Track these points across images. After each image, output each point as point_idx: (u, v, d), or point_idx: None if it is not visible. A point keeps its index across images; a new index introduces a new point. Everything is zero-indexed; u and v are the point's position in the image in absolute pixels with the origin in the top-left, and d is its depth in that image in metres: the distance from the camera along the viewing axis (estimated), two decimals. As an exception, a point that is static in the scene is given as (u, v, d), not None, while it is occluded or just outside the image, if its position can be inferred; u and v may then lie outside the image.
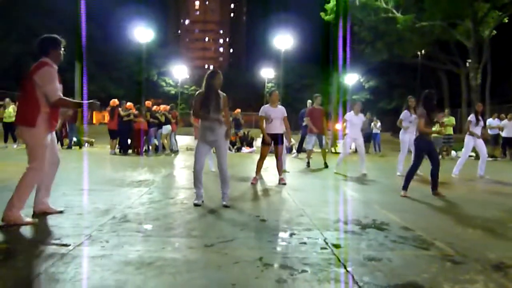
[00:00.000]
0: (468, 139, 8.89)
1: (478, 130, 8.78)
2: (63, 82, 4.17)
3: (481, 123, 8.81)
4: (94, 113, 43.55)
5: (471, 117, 8.88)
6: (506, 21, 25.94)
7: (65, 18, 30.22)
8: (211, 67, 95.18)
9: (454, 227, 4.32)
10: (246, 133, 16.82)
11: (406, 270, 2.94)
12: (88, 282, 2.54)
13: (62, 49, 4.11)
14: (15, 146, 13.51)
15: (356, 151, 11.88)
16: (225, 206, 5.01)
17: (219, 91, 5.16)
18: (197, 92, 5.28)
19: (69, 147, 14.03)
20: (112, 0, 42.46)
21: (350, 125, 9.12)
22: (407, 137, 8.79)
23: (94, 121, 42.64)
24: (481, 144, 8.86)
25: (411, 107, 8.75)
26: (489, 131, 14.96)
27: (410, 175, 6.25)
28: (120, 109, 13.02)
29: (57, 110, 4.11)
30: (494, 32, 27.17)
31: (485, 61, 28.81)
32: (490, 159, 14.21)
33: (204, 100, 5.10)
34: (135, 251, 3.19)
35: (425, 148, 6.26)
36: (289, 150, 14.82)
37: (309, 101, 11.67)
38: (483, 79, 28.95)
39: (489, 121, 15.15)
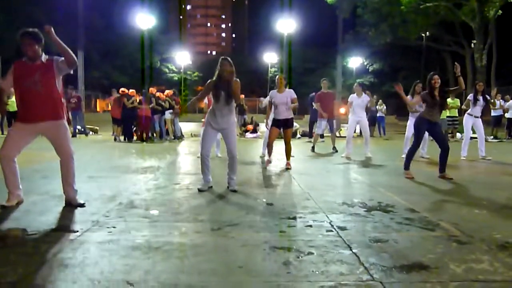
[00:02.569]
0: (466, 118, 8.83)
1: (477, 110, 8.69)
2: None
3: (480, 102, 8.66)
4: (98, 101, 43.66)
5: (470, 96, 8.82)
6: (512, 0, 25.53)
7: (66, 7, 29.96)
8: (214, 52, 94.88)
9: (459, 208, 4.32)
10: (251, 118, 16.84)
11: (412, 251, 2.95)
12: (96, 267, 2.57)
13: (26, 40, 3.91)
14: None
15: (360, 134, 11.92)
16: (233, 191, 5.03)
17: (232, 79, 4.99)
18: (208, 81, 5.20)
19: (74, 135, 14.08)
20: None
21: (354, 107, 9.08)
22: (413, 121, 8.76)
23: (98, 109, 42.72)
24: (479, 124, 8.78)
25: (417, 92, 8.62)
26: (492, 112, 14.85)
27: (409, 155, 6.28)
28: (125, 99, 12.98)
29: (21, 103, 4.06)
30: (500, 12, 26.76)
31: (490, 42, 28.49)
32: (494, 140, 14.18)
33: (214, 90, 5.05)
34: (142, 236, 3.22)
35: (423, 127, 6.23)
36: (294, 135, 14.83)
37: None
38: (489, 60, 28.65)
39: (492, 101, 15.00)
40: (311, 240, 3.17)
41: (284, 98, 7.15)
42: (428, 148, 8.89)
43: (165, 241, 3.10)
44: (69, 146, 4.15)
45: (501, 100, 15.39)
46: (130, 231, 3.33)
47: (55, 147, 4.15)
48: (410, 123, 8.87)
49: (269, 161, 7.41)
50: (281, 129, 7.29)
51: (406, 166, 6.28)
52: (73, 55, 4.02)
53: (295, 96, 7.24)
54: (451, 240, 3.20)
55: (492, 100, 10.32)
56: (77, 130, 14.46)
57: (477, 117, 8.68)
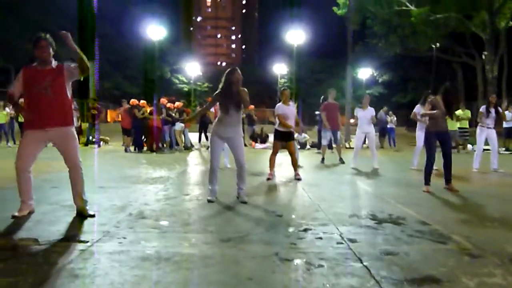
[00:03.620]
0: (479, 130, 8.78)
1: (489, 122, 8.64)
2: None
3: (492, 115, 8.59)
4: (108, 111, 44.05)
5: (482, 108, 8.77)
6: (523, 11, 25.42)
7: (78, 17, 30.43)
8: (224, 63, 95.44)
9: (471, 221, 4.27)
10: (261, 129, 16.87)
11: (423, 264, 2.92)
12: (106, 278, 2.58)
13: (42, 42, 3.96)
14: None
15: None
16: (243, 202, 5.01)
17: (240, 88, 5.00)
18: (215, 92, 5.18)
19: (86, 145, 14.21)
20: (125, -2, 42.81)
21: (359, 120, 9.10)
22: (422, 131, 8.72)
23: (108, 120, 43.08)
24: (493, 136, 8.71)
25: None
26: (504, 124, 14.69)
27: (427, 170, 6.16)
28: (136, 110, 13.08)
29: (30, 109, 4.07)
30: (511, 23, 26.63)
31: (501, 53, 28.31)
32: (506, 152, 14.01)
33: (223, 99, 5.05)
34: (152, 247, 3.22)
35: (433, 140, 6.17)
36: (303, 146, 14.82)
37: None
38: (500, 71, 28.44)
39: (504, 113, 14.82)
40: (321, 252, 3.15)
41: (290, 111, 7.20)
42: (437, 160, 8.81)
43: (175, 252, 3.11)
44: (76, 155, 4.14)
45: (512, 112, 15.22)
46: (140, 242, 3.34)
47: (62, 154, 4.15)
48: (419, 133, 8.86)
49: (271, 175, 7.24)
50: (285, 141, 7.29)
51: (426, 182, 6.18)
52: (87, 62, 4.06)
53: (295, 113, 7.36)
54: (463, 253, 3.16)
55: (503, 113, 10.24)
56: (88, 140, 14.61)
57: (490, 127, 8.62)
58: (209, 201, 5.04)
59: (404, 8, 27.44)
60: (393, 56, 34.36)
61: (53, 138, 4.09)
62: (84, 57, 4.02)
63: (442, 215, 4.51)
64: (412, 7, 26.88)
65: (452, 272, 2.76)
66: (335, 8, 29.00)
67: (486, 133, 8.66)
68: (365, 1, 27.25)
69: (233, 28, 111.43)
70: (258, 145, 15.66)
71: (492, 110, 8.59)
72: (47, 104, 3.98)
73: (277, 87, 45.06)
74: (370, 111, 9.16)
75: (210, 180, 5.19)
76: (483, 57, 29.24)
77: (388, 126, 16.91)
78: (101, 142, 15.68)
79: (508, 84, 32.33)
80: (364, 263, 2.90)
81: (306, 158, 11.28)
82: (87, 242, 3.31)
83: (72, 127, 4.18)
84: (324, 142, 10.54)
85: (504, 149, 14.34)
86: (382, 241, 3.48)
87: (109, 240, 3.38)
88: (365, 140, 10.46)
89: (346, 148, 15.83)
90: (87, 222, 3.94)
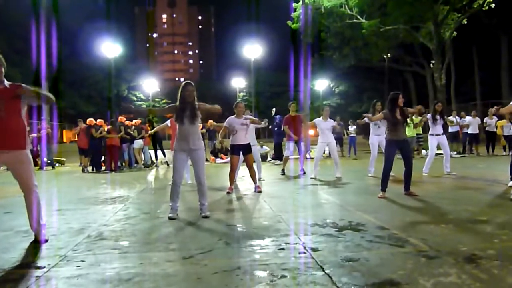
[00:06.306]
0: (430, 137, 9.17)
1: (438, 128, 9.06)
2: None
3: (439, 121, 9.02)
4: (64, 131, 42.74)
5: (428, 115, 9.20)
6: (465, 22, 26.87)
7: (29, 35, 29.61)
8: (182, 79, 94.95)
9: (427, 224, 4.43)
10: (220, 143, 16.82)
11: (383, 268, 3.00)
12: (65, 303, 2.49)
13: None
14: None
15: (329, 155, 12.09)
16: (205, 217, 4.99)
17: (196, 102, 5.12)
18: (173, 104, 5.27)
19: (41, 168, 13.69)
20: (78, 17, 42.04)
21: (320, 131, 9.29)
22: (376, 140, 9.04)
23: (64, 140, 41.78)
24: (444, 142, 9.12)
25: (377, 110, 8.90)
26: (449, 128, 15.44)
27: (384, 176, 6.34)
28: (93, 129, 12.77)
29: None
30: (455, 33, 28.08)
31: (448, 61, 29.72)
32: (457, 155, 14.67)
33: (178, 112, 5.10)
34: (112, 268, 3.15)
35: (393, 149, 6.38)
36: (264, 158, 14.92)
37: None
38: (448, 79, 29.82)
39: (449, 118, 15.58)
40: (284, 263, 3.18)
41: (243, 124, 7.25)
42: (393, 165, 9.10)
43: (136, 272, 3.04)
44: (31, 179, 3.94)
45: (456, 117, 16.04)
46: (99, 264, 3.25)
47: (16, 178, 3.95)
48: (372, 140, 9.16)
49: (231, 189, 7.24)
50: (242, 155, 7.33)
51: (383, 188, 6.35)
52: (48, 95, 3.98)
53: (250, 117, 7.40)
54: (420, 255, 3.28)
55: (449, 120, 10.81)
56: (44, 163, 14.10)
57: (439, 134, 9.02)
58: (170, 218, 4.98)
59: (355, 21, 28.36)
60: (348, 67, 35.35)
61: (6, 161, 3.91)
62: (43, 93, 3.93)
63: (399, 220, 4.65)
64: (363, 20, 27.83)
65: (410, 274, 2.85)
66: (289, 22, 29.59)
67: (437, 140, 9.06)
68: (319, 14, 27.96)
69: (190, 43, 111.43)
70: (219, 160, 15.62)
71: (438, 117, 9.01)
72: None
73: (236, 100, 45.26)
74: (330, 122, 9.41)
75: (171, 197, 5.14)
76: (432, 66, 30.62)
77: (350, 135, 17.46)
78: (57, 164, 15.17)
79: (456, 91, 33.98)
80: (326, 271, 2.95)
81: (267, 170, 11.35)
82: (44, 267, 3.18)
83: (26, 150, 3.99)
84: (288, 153, 10.62)
85: (455, 152, 15.01)
86: (343, 248, 3.55)
87: (67, 264, 3.27)
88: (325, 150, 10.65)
89: (306, 158, 16.06)
90: (44, 247, 3.79)
